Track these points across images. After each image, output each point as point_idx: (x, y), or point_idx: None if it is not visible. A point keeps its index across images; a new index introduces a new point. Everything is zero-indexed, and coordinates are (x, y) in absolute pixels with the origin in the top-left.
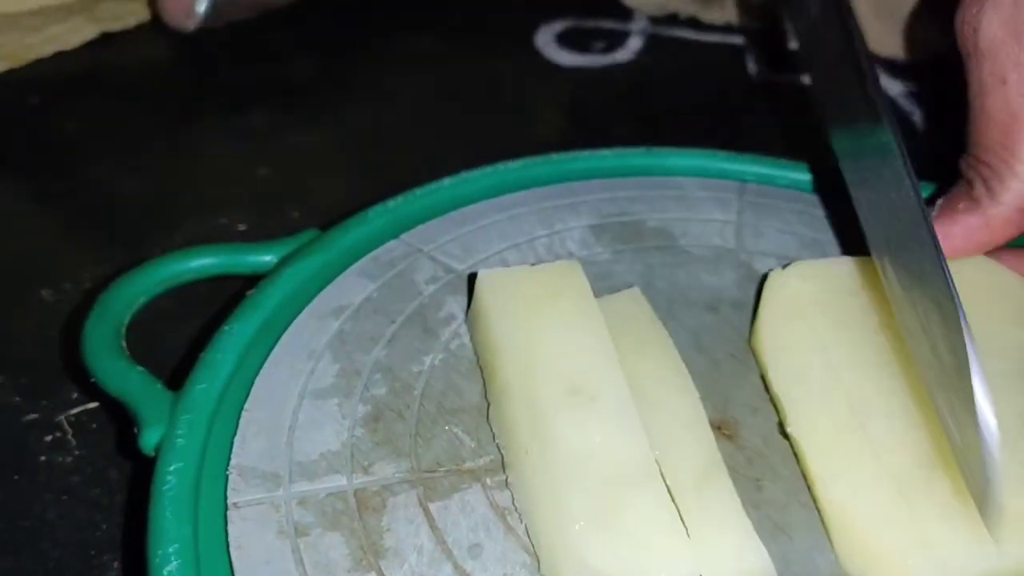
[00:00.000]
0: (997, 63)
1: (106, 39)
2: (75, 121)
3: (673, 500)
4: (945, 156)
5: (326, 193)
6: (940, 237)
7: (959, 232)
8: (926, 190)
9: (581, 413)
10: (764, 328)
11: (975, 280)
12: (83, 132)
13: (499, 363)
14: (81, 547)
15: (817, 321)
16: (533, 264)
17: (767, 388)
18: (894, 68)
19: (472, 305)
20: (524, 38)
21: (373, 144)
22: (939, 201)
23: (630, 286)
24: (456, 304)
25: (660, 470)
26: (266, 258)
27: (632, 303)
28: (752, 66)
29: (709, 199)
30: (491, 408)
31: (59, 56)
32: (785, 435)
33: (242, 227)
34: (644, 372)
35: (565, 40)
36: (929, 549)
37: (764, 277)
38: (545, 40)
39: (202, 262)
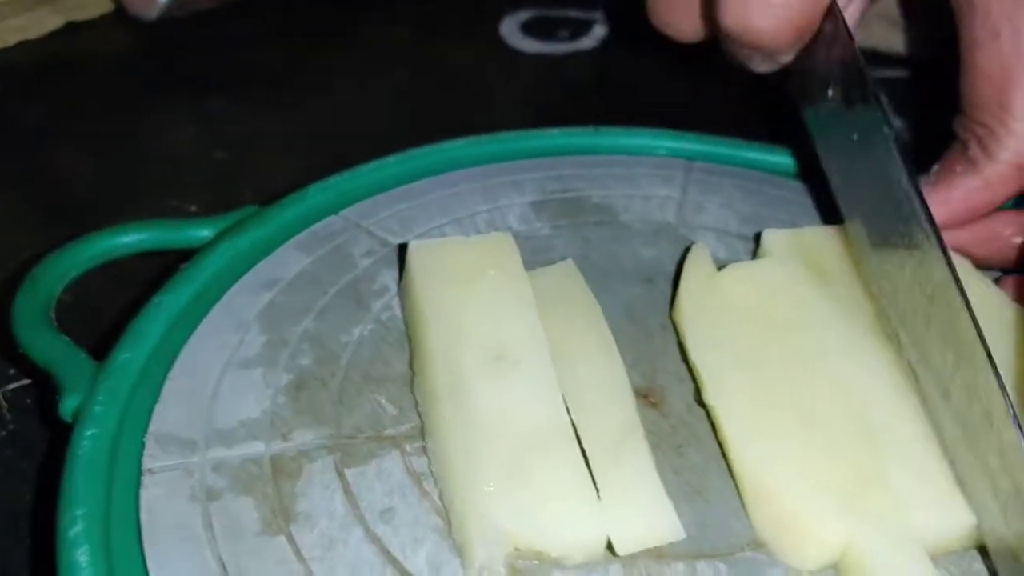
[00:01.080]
0: (990, 16)
1: (71, 28)
2: (35, 108)
3: (588, 464)
4: (933, 147)
5: (281, 176)
6: (938, 203)
7: (958, 196)
8: None
9: (500, 379)
10: (683, 299)
11: None
12: (42, 119)
13: (424, 331)
14: (10, 517)
15: (736, 291)
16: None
17: (685, 358)
18: (880, 60)
19: (403, 275)
20: (489, 27)
21: (332, 130)
22: (934, 167)
23: (566, 259)
24: (390, 277)
25: (577, 434)
26: (202, 233)
27: (565, 275)
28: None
29: (654, 176)
30: (415, 376)
31: (23, 45)
32: (703, 404)
33: (193, 208)
34: (570, 341)
35: (530, 29)
36: (842, 516)
37: (686, 250)
38: (510, 29)
39: (136, 237)
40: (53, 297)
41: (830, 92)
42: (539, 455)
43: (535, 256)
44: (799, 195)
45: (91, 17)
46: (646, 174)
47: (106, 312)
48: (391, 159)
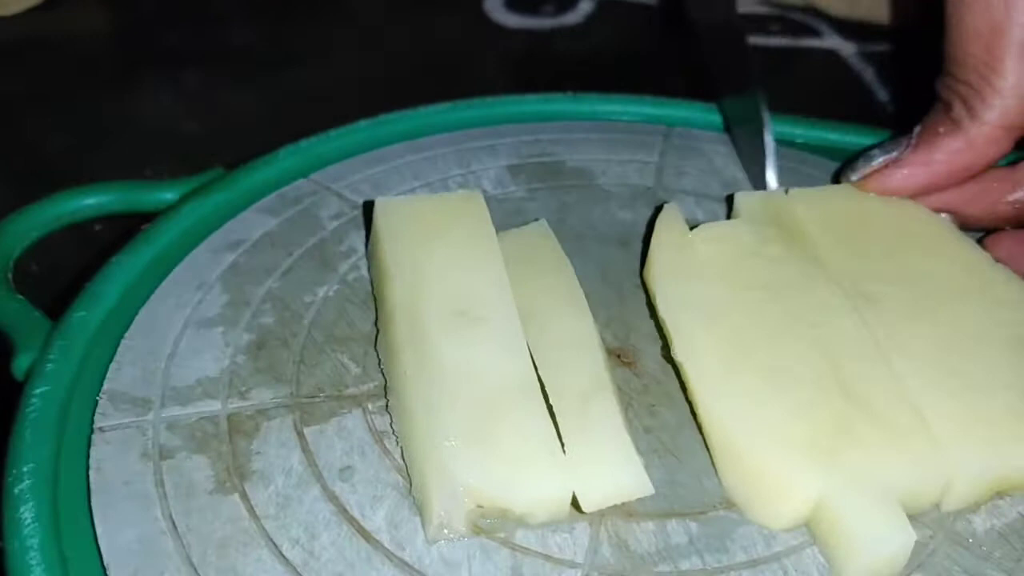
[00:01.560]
0: None
1: (50, 5)
2: (10, 84)
3: (555, 420)
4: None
5: (254, 147)
6: (919, 164)
7: (941, 158)
8: None
9: (465, 334)
10: (654, 258)
11: (896, 215)
12: (17, 94)
13: (388, 287)
14: None
15: (707, 251)
16: None
17: (654, 316)
18: (847, 29)
19: (370, 232)
20: (472, 2)
21: (307, 103)
22: (916, 128)
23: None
24: (359, 238)
25: (544, 391)
26: (166, 195)
27: (538, 235)
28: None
29: (633, 141)
30: (379, 334)
31: (1, 21)
32: (672, 361)
33: (165, 178)
34: (541, 299)
35: (514, 3)
36: (812, 472)
37: (658, 209)
38: (494, 3)
39: (98, 199)
40: (11, 258)
41: None
42: (503, 411)
43: (509, 219)
44: (781, 159)
45: None
46: (625, 139)
47: (68, 275)
48: (363, 123)
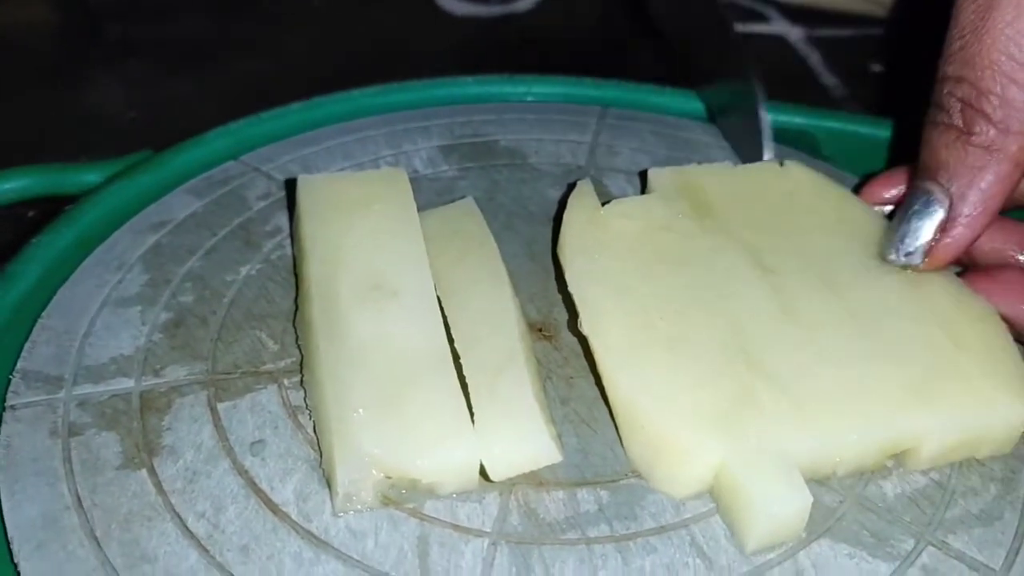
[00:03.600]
0: None
1: None
2: None
3: (467, 392)
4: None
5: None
6: (979, 212)
7: (993, 191)
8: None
9: (378, 308)
10: (565, 232)
11: (795, 189)
12: None
13: (307, 263)
14: None
15: (618, 226)
16: None
17: (563, 291)
18: (794, 14)
19: (293, 211)
20: None
21: (253, 92)
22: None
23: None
24: (285, 218)
25: (459, 363)
26: (89, 178)
27: (464, 212)
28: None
29: (567, 122)
30: (297, 311)
31: None
32: (581, 335)
33: None
34: (462, 275)
35: None
36: (712, 439)
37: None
38: None
39: (19, 183)
40: None
41: None
42: (413, 382)
43: (440, 198)
44: (714, 137)
45: None
46: (559, 120)
47: None
48: (295, 106)
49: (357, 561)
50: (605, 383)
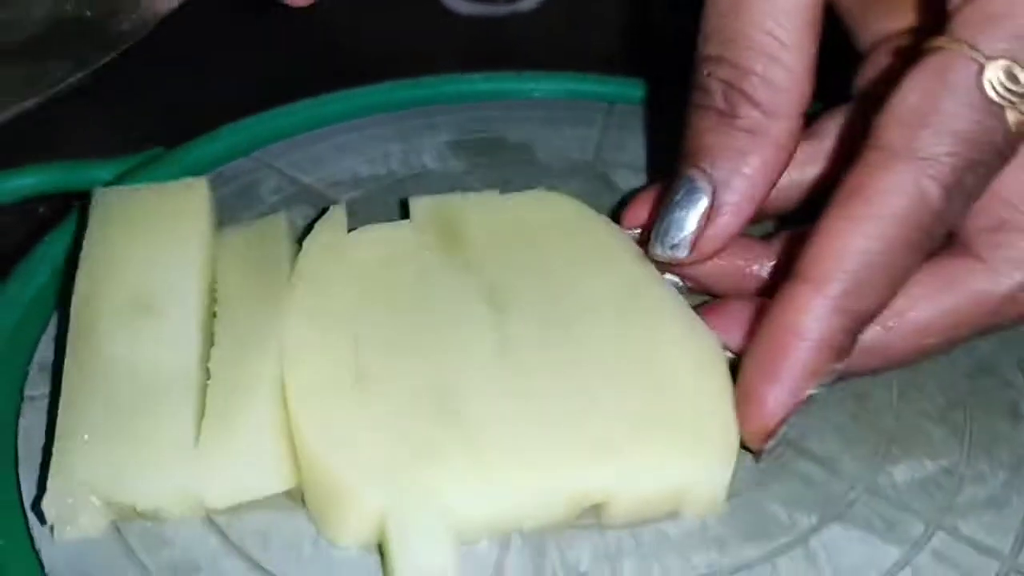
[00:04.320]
0: None
1: None
2: None
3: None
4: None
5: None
6: (744, 199)
7: (758, 177)
8: None
9: (137, 327)
10: (302, 259)
11: (554, 221)
12: None
13: (78, 278)
14: None
15: (359, 255)
16: (384, 175)
17: None
18: None
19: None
20: None
21: (260, 92)
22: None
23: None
24: (298, 214)
25: (206, 388)
26: (102, 174)
27: (268, 229)
28: (656, 13)
29: (575, 118)
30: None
31: None
32: None
33: None
34: (241, 294)
35: None
36: (378, 489)
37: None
38: None
39: (33, 179)
40: None
41: None
42: (149, 405)
43: (449, 192)
44: None
45: None
46: (567, 116)
47: (11, 254)
48: (307, 102)
49: None
50: (291, 421)
